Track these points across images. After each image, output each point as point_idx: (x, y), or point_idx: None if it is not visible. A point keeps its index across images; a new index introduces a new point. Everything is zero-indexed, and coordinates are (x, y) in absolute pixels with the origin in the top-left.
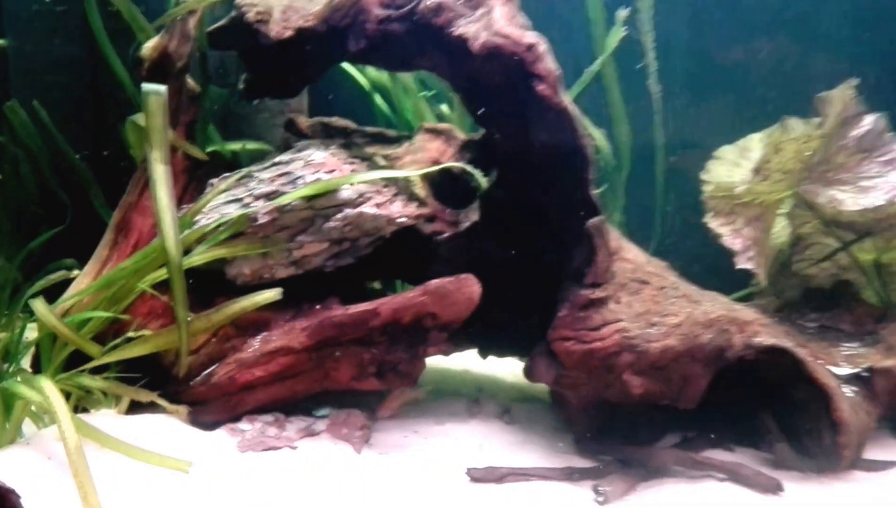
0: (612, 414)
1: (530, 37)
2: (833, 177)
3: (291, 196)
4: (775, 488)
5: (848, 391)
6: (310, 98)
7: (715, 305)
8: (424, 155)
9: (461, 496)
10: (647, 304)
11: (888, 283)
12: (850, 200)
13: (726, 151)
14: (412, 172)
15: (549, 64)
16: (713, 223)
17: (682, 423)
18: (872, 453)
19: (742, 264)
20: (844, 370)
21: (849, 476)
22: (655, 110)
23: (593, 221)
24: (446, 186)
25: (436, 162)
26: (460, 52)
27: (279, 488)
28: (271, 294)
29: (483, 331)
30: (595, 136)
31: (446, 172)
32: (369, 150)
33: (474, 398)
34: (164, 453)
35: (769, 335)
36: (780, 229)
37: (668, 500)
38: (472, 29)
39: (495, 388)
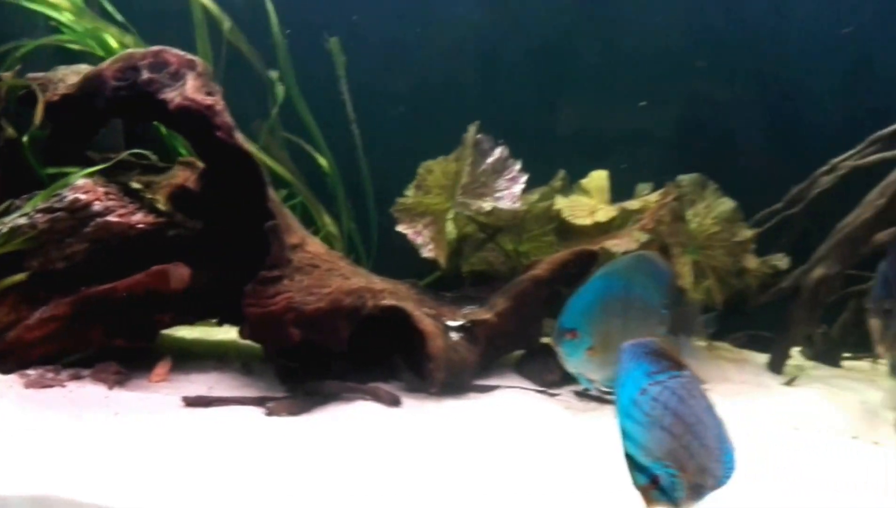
0: (306, 360)
1: (210, 100)
2: (480, 191)
3: (31, 204)
4: (396, 401)
5: (455, 335)
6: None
7: (361, 280)
8: (175, 180)
9: (176, 413)
10: (312, 281)
11: (518, 266)
12: (491, 206)
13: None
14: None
15: (225, 118)
16: (401, 227)
17: (362, 367)
18: (493, 379)
19: (425, 254)
20: (456, 323)
21: (462, 396)
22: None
23: (268, 224)
24: (189, 201)
25: (183, 186)
26: (164, 110)
27: (46, 404)
28: (18, 278)
29: (220, 305)
30: (322, 161)
31: (187, 190)
32: (130, 176)
33: (220, 358)
34: None
35: (393, 299)
36: (451, 230)
37: (325, 411)
38: (170, 95)
39: (240, 350)
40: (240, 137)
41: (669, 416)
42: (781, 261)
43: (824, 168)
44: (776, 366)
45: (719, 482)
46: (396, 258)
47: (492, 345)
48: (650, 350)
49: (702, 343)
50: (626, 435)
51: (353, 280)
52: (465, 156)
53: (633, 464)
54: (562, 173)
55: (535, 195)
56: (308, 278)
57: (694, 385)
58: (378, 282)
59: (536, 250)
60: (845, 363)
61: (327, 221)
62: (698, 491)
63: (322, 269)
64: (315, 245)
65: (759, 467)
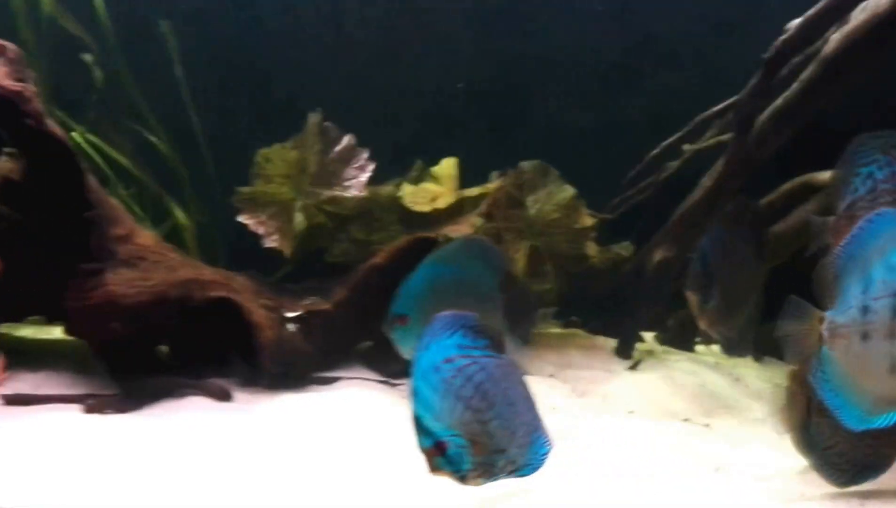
0: (134, 355)
1: (19, 86)
2: (328, 180)
3: None
4: (227, 396)
5: (292, 327)
6: None
7: (189, 272)
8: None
9: None
10: (137, 273)
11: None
12: (340, 196)
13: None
14: None
15: (34, 105)
16: (242, 218)
17: (199, 361)
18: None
19: (268, 244)
20: (293, 314)
21: (300, 388)
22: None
23: (88, 214)
24: (15, 193)
25: (6, 178)
26: None
27: None
28: None
29: (44, 301)
30: (163, 149)
31: (11, 181)
32: None
33: (58, 355)
34: None
35: (223, 290)
36: (301, 220)
37: (154, 408)
38: None
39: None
40: (52, 125)
41: (471, 389)
42: (625, 249)
43: (655, 151)
44: (624, 351)
45: (521, 470)
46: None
47: (331, 336)
48: (470, 325)
49: (556, 330)
50: (417, 397)
51: (180, 272)
52: (309, 144)
53: (420, 426)
54: (419, 163)
55: (390, 186)
56: (133, 271)
57: (513, 371)
58: (209, 273)
59: (388, 239)
60: (699, 348)
61: (178, 212)
62: (489, 471)
63: (149, 261)
64: (144, 237)
65: (583, 450)
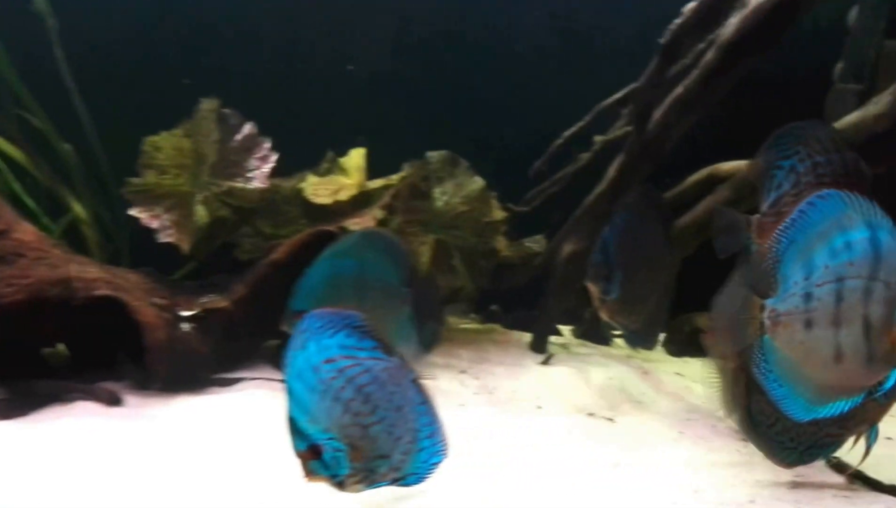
0: (17, 357)
1: None
2: (230, 171)
3: None
4: (115, 400)
5: (186, 326)
6: None
7: (72, 269)
8: None
9: None
10: (14, 271)
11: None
12: (242, 187)
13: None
14: None
15: None
16: (134, 212)
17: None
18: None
19: (163, 239)
20: (188, 313)
21: (196, 391)
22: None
23: None
24: None
25: None
26: None
27: None
28: None
29: None
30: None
31: None
32: None
33: None
34: None
35: (109, 289)
36: (204, 213)
37: (41, 413)
38: None
39: None
40: None
41: (352, 391)
42: (537, 243)
43: (558, 141)
44: (538, 346)
45: (408, 479)
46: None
47: (231, 335)
48: (356, 325)
49: (474, 325)
50: (292, 397)
51: (61, 269)
52: (204, 132)
53: (295, 429)
54: (330, 154)
55: (296, 178)
56: (9, 268)
57: (402, 374)
58: (94, 271)
59: (296, 233)
60: (618, 341)
61: (75, 205)
62: (370, 477)
63: (28, 258)
64: (24, 232)
65: (485, 448)
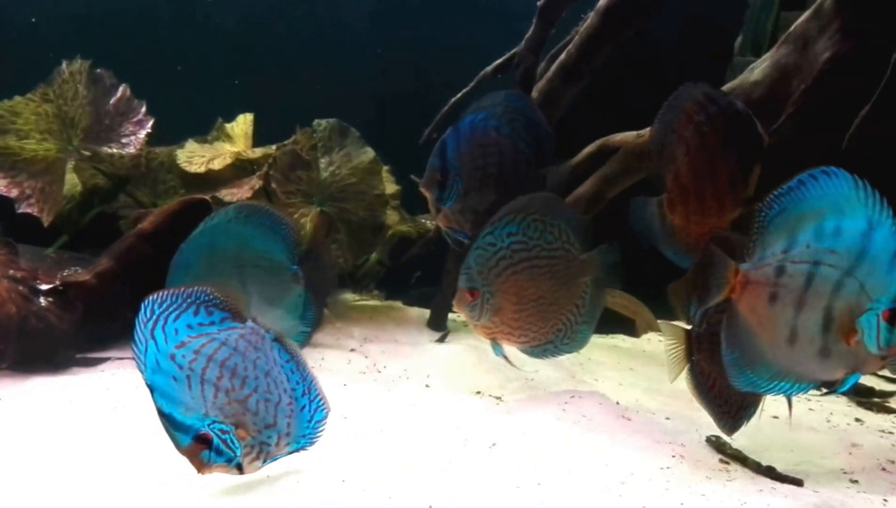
0: None
1: None
2: (105, 137)
3: None
4: None
5: (43, 301)
6: None
7: None
8: None
9: None
10: None
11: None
12: (111, 153)
13: None
14: None
15: None
16: None
17: None
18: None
19: (22, 209)
20: (47, 286)
21: (56, 371)
22: None
23: None
24: None
25: None
26: None
27: None
28: None
29: None
30: None
31: None
32: None
33: None
34: None
35: None
36: (76, 181)
37: None
38: None
39: None
40: None
41: (216, 369)
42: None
43: (445, 109)
44: (436, 323)
45: (300, 441)
46: None
47: (96, 311)
48: (202, 301)
49: (374, 302)
50: (158, 394)
51: None
52: (70, 94)
53: (173, 424)
54: (219, 121)
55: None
56: None
57: (259, 337)
58: None
59: None
60: None
61: None
62: (265, 451)
63: None
64: None
65: (364, 427)
